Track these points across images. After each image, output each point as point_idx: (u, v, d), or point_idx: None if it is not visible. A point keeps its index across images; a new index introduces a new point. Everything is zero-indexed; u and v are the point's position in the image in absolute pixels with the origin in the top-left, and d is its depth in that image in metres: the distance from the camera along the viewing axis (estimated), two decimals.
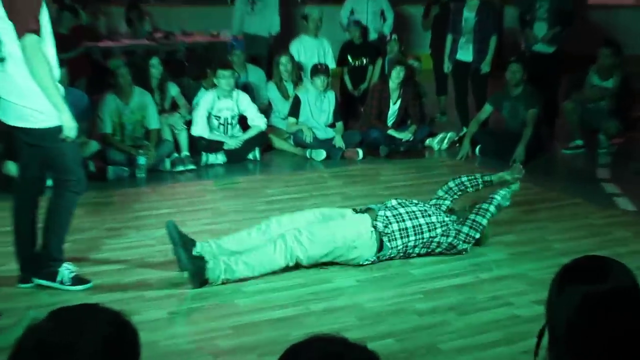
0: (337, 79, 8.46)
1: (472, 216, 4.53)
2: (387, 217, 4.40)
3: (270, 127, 7.43)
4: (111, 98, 6.58)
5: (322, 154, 7.18)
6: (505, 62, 7.42)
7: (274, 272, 4.20)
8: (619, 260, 1.59)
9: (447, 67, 7.98)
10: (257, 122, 7.14)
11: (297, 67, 7.88)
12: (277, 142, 7.46)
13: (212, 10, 10.70)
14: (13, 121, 3.78)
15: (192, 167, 6.74)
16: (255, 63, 8.14)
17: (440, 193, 4.78)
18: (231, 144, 6.96)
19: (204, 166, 6.87)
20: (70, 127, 3.76)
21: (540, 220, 5.30)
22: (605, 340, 1.44)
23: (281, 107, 7.68)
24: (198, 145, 6.95)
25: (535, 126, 7.00)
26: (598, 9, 12.52)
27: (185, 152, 6.86)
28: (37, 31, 3.61)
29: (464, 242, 4.49)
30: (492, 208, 4.56)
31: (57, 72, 3.77)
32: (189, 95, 7.41)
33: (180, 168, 6.68)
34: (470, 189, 4.85)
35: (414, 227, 4.42)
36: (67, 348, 1.32)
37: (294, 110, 7.42)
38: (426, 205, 4.60)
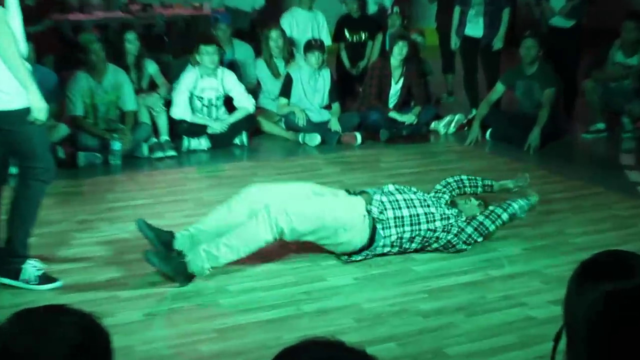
0: (333, 56, 8.45)
1: (480, 218, 4.52)
2: (382, 202, 4.41)
3: (259, 108, 7.42)
4: (82, 76, 6.55)
5: (316, 139, 7.18)
6: (519, 37, 7.41)
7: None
8: None
9: (455, 42, 7.97)
10: (245, 103, 7.12)
11: (289, 43, 7.86)
12: (267, 126, 7.45)
13: None
14: None
15: (172, 153, 6.73)
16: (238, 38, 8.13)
17: (439, 187, 4.84)
18: (216, 127, 6.95)
19: (186, 152, 6.86)
20: (39, 109, 3.74)
21: (558, 212, 5.31)
22: (630, 343, 1.44)
23: (271, 86, 7.66)
24: (179, 129, 6.93)
25: (552, 108, 7.01)
26: None
27: (164, 137, 6.85)
28: (1, 2, 3.58)
29: (465, 243, 4.49)
30: (505, 216, 4.55)
31: (24, 47, 3.75)
32: (169, 74, 7.39)
33: (159, 154, 6.67)
34: (469, 189, 4.91)
35: (410, 216, 4.42)
36: (31, 355, 1.32)
37: (286, 90, 7.41)
38: (426, 195, 4.61)
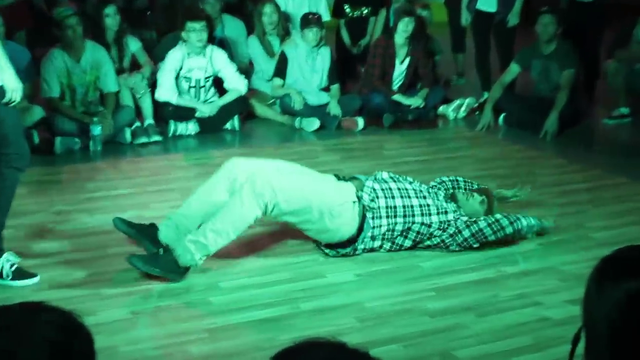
0: (332, 33, 8.44)
1: (482, 224, 4.45)
2: (374, 189, 4.41)
3: (251, 90, 7.42)
4: (58, 54, 6.55)
5: (314, 124, 7.18)
6: (535, 13, 7.40)
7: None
8: None
9: (466, 18, 7.98)
10: (236, 84, 7.12)
11: (284, 18, 7.86)
12: (260, 109, 7.46)
13: None
14: None
15: (157, 138, 6.73)
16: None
17: (433, 184, 4.86)
18: (204, 110, 6.95)
19: (172, 137, 6.87)
20: (14, 89, 3.74)
21: (577, 204, 5.32)
22: None
23: (265, 66, 7.66)
24: (164, 113, 6.94)
25: (571, 90, 7.01)
26: None
27: (149, 121, 6.85)
28: None
29: (459, 245, 4.47)
30: (509, 229, 4.47)
31: None
32: (153, 52, 7.38)
33: (143, 140, 6.68)
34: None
35: (404, 207, 4.42)
36: (7, 357, 1.32)
37: (280, 70, 7.41)
38: (423, 185, 4.62)
